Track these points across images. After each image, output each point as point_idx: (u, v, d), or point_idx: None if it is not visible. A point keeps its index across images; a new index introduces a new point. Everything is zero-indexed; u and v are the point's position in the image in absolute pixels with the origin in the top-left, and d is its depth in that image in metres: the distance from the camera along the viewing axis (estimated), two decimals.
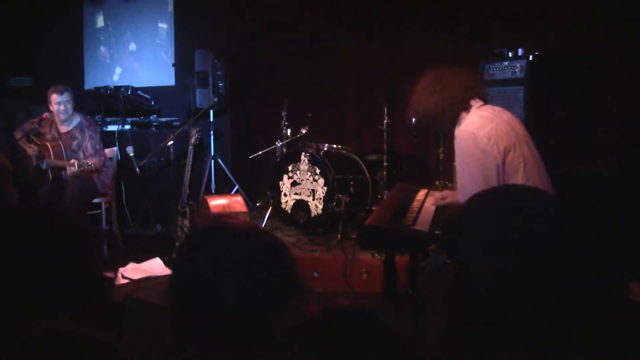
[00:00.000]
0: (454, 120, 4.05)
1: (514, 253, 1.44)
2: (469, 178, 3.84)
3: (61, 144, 6.79)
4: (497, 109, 4.09)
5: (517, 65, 5.87)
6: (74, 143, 6.86)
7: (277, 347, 1.32)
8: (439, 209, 4.33)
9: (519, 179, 3.81)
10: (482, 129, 3.83)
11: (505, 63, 5.97)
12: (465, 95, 4.02)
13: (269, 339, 1.37)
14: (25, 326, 1.27)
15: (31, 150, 6.75)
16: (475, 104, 4.03)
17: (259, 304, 1.60)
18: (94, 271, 1.72)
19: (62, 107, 6.77)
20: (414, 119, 4.52)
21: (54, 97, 6.76)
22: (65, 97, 6.78)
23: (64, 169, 6.49)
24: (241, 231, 1.71)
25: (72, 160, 6.43)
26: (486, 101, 4.13)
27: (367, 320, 1.27)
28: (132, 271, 6.21)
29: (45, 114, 6.86)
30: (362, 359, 1.21)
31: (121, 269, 6.21)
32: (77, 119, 6.97)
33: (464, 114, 4.02)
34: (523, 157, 3.86)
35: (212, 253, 1.65)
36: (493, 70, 6.05)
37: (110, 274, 5.83)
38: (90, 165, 6.31)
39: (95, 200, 7.03)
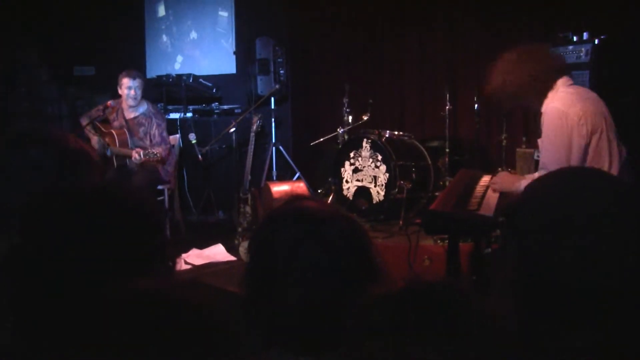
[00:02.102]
0: (541, 96, 3.92)
1: (576, 234, 1.39)
2: (552, 156, 3.76)
3: (127, 132, 6.84)
4: (583, 89, 4.03)
5: (582, 49, 5.78)
6: (141, 130, 6.91)
7: (355, 324, 1.30)
8: (503, 195, 4.27)
9: (602, 163, 3.72)
10: (573, 107, 3.73)
11: (570, 47, 5.88)
12: (556, 73, 3.91)
13: (344, 323, 1.35)
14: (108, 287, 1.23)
15: (95, 141, 6.84)
16: (563, 83, 3.91)
17: (337, 290, 1.59)
18: (162, 248, 1.72)
19: (132, 92, 6.82)
20: (492, 92, 4.32)
21: (126, 81, 6.82)
22: (137, 82, 6.84)
23: (129, 156, 6.54)
24: (319, 215, 1.69)
25: (138, 149, 6.48)
26: (573, 82, 4.04)
27: (451, 296, 1.24)
28: (195, 257, 6.24)
29: (109, 102, 6.89)
30: (445, 336, 1.19)
31: (184, 255, 6.25)
32: (144, 107, 7.01)
33: (550, 93, 3.91)
34: (608, 140, 3.76)
35: (290, 239, 1.63)
36: None
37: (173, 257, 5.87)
38: (155, 154, 6.39)
39: (158, 187, 7.07)
